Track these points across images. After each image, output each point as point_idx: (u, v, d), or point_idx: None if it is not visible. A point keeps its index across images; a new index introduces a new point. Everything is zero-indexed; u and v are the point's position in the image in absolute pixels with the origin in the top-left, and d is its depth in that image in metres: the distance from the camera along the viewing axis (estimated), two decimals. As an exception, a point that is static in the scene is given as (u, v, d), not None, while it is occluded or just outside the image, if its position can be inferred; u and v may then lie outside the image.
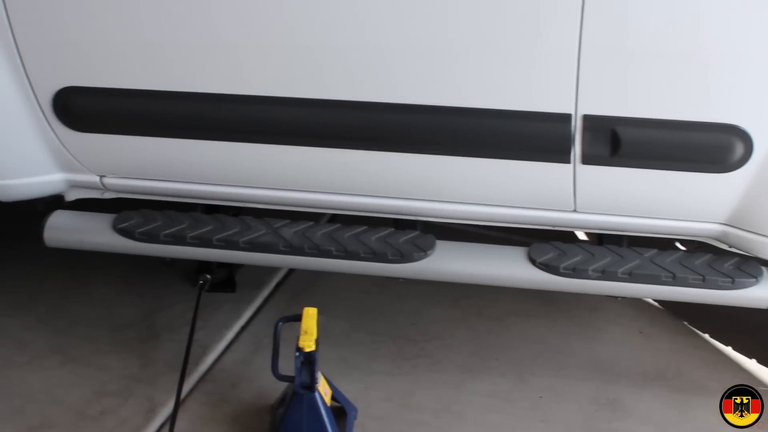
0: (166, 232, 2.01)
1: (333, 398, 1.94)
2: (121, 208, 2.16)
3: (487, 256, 1.98)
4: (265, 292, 2.52)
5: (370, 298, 2.51)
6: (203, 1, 1.73)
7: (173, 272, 2.56)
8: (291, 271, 2.61)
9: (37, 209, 2.21)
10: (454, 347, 2.33)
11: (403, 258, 1.93)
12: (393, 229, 2.03)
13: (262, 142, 1.89)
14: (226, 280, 2.46)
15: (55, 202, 2.19)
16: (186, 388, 2.10)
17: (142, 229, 2.02)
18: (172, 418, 1.96)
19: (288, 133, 1.87)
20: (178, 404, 2.00)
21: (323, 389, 1.87)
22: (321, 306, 1.90)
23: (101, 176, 2.07)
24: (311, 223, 2.04)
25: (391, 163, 1.86)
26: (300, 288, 2.54)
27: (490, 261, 1.98)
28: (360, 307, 2.47)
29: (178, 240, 2.01)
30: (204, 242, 1.99)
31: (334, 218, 2.56)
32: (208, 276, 2.35)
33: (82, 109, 1.92)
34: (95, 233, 2.09)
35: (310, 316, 1.83)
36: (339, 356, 2.25)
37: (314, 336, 1.80)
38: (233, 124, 1.85)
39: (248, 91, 1.81)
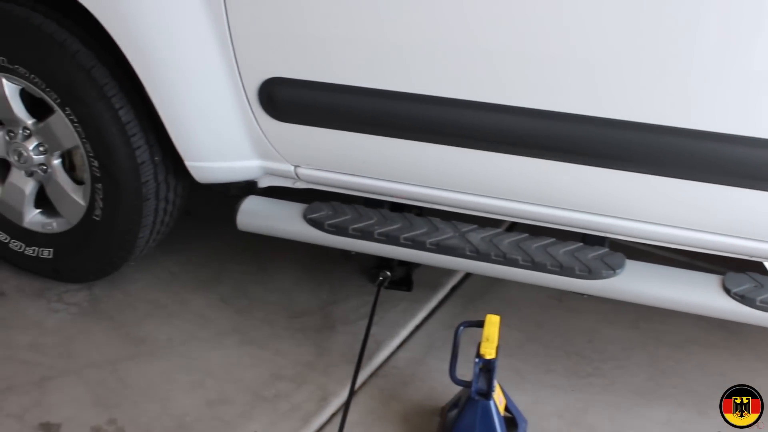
0: (355, 226, 2.11)
1: (506, 408, 1.98)
2: (306, 198, 2.28)
3: (679, 281, 1.98)
4: (441, 294, 2.59)
5: (545, 310, 2.53)
6: (421, 4, 1.80)
7: (351, 265, 2.66)
8: (467, 276, 2.66)
9: (230, 193, 2.36)
10: (630, 370, 2.32)
11: (590, 274, 1.95)
12: (581, 243, 2.04)
13: (457, 145, 1.95)
14: (403, 278, 2.55)
15: (247, 187, 2.33)
16: (358, 381, 2.18)
17: (331, 221, 2.13)
18: (345, 410, 2.05)
19: (484, 138, 1.92)
20: (351, 396, 2.10)
21: (498, 398, 1.91)
22: (496, 314, 1.94)
23: (296, 166, 2.18)
24: (499, 230, 2.10)
25: (589, 177, 1.88)
26: (475, 293, 2.59)
27: (681, 286, 1.97)
28: (535, 319, 2.49)
29: (365, 235, 2.10)
30: (391, 239, 2.08)
31: (511, 226, 2.61)
32: (388, 273, 2.44)
33: (285, 99, 2.04)
34: (286, 221, 2.21)
35: (493, 323, 1.88)
36: (511, 366, 2.28)
37: (495, 344, 1.84)
38: (432, 125, 1.92)
39: (452, 94, 1.87)
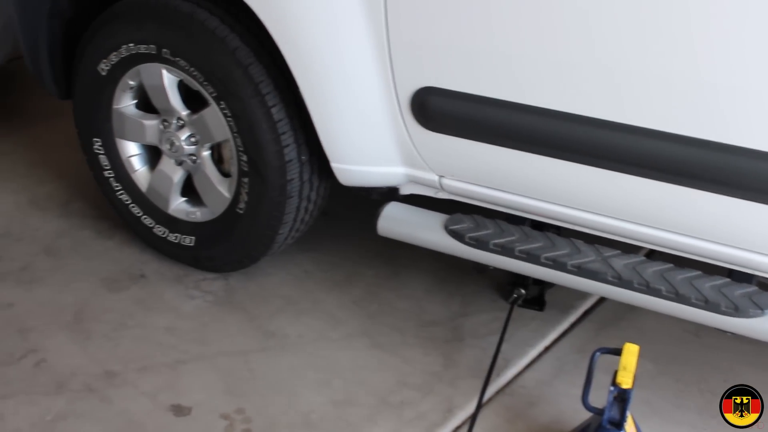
0: (496, 241, 2.15)
1: (636, 440, 1.98)
2: (441, 208, 2.32)
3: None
4: (573, 317, 2.59)
5: (681, 344, 2.51)
6: (585, 26, 1.82)
7: (484, 279, 2.70)
8: (601, 300, 2.66)
9: (371, 197, 2.43)
10: (765, 415, 2.27)
11: (737, 312, 1.93)
12: (728, 279, 2.02)
13: (607, 168, 1.96)
14: (537, 297, 2.56)
15: (389, 193, 2.39)
16: (485, 396, 2.22)
17: (472, 234, 2.17)
18: (471, 424, 2.10)
19: (631, 162, 1.92)
20: (478, 410, 2.14)
21: (629, 429, 1.91)
22: (630, 342, 1.94)
23: (440, 176, 2.23)
24: (642, 258, 2.09)
25: (743, 211, 1.86)
26: (608, 319, 2.58)
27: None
28: (670, 352, 2.47)
29: (506, 251, 2.13)
30: (531, 258, 2.10)
31: (649, 254, 2.58)
32: (523, 291, 2.47)
33: (437, 109, 2.09)
34: (426, 230, 2.27)
35: (632, 353, 1.88)
36: (642, 398, 2.27)
37: (632, 374, 1.85)
38: (586, 146, 1.93)
39: (606, 116, 1.88)
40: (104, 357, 2.38)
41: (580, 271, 2.07)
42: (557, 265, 2.09)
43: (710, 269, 2.08)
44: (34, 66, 2.80)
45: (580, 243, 2.14)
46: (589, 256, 2.08)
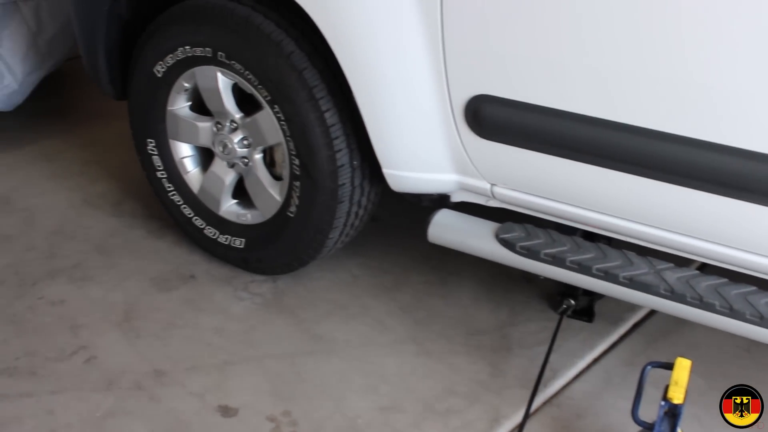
0: (547, 251, 2.14)
1: (685, 457, 1.96)
2: (493, 217, 2.32)
3: None
4: (622, 329, 2.58)
5: (732, 360, 2.48)
6: (647, 36, 1.81)
7: (532, 289, 2.69)
8: (651, 313, 2.64)
9: (422, 204, 2.43)
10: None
11: (792, 329, 1.91)
12: (785, 295, 2.00)
13: (662, 180, 1.94)
14: (586, 308, 2.55)
15: (439, 200, 2.40)
16: (532, 407, 2.21)
17: (523, 244, 2.17)
18: (518, 434, 2.09)
19: (687, 175, 1.91)
20: (525, 420, 2.14)
21: (679, 444, 1.90)
22: (680, 356, 1.92)
23: (492, 185, 2.23)
24: (696, 271, 2.08)
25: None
26: (658, 333, 2.56)
27: None
28: (720, 367, 2.44)
29: (557, 261, 2.13)
30: (583, 269, 2.10)
31: (701, 267, 2.56)
32: (572, 301, 2.46)
33: (492, 117, 2.10)
34: (477, 238, 2.27)
35: (684, 367, 1.87)
36: (691, 413, 2.24)
37: (684, 389, 1.84)
38: (641, 158, 1.92)
39: (663, 128, 1.87)
40: (153, 356, 2.42)
41: (632, 283, 2.05)
42: (609, 276, 2.08)
43: (765, 285, 2.06)
44: (91, 67, 2.85)
45: (632, 255, 2.13)
46: (641, 269, 2.07)
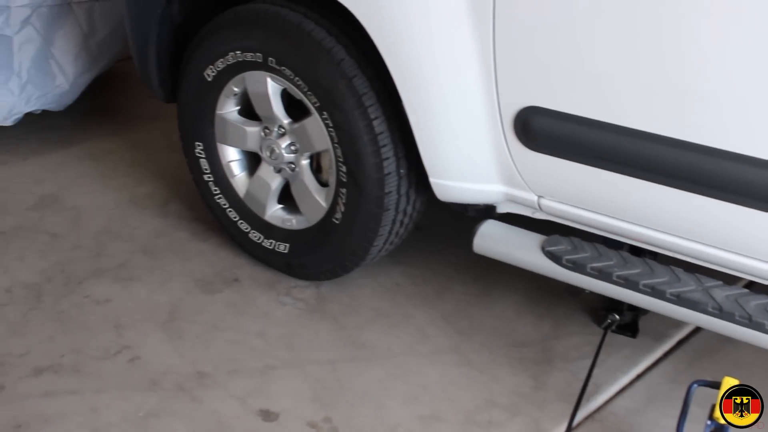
0: (594, 265, 2.13)
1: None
2: (538, 229, 2.32)
3: None
4: (666, 346, 2.56)
5: (779, 379, 2.45)
6: (705, 51, 1.80)
7: (576, 302, 2.68)
8: (696, 330, 2.61)
9: (467, 214, 2.43)
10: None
11: (843, 351, 1.88)
12: (835, 316, 1.98)
13: (715, 197, 1.93)
14: (630, 323, 2.54)
15: (485, 210, 2.40)
16: (575, 421, 2.20)
17: (570, 257, 2.16)
18: (559, 449, 2.08)
19: (741, 192, 1.89)
20: (567, 434, 2.12)
21: (724, 465, 1.88)
22: (726, 375, 1.90)
23: (539, 197, 2.22)
24: (744, 290, 2.06)
25: None
26: (704, 350, 2.54)
27: None
28: (767, 387, 2.41)
29: (603, 275, 2.12)
30: (630, 284, 2.08)
31: (749, 285, 2.53)
32: (617, 316, 2.44)
33: (541, 129, 2.09)
34: (523, 250, 2.26)
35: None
36: (736, 434, 2.22)
37: (731, 409, 1.81)
38: (693, 174, 1.91)
39: (717, 145, 1.86)
40: (196, 357, 2.44)
41: (680, 300, 2.04)
42: (656, 292, 2.06)
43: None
44: (142, 69, 2.89)
45: (679, 271, 2.11)
46: (689, 286, 2.05)
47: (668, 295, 2.05)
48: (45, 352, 2.44)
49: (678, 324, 2.60)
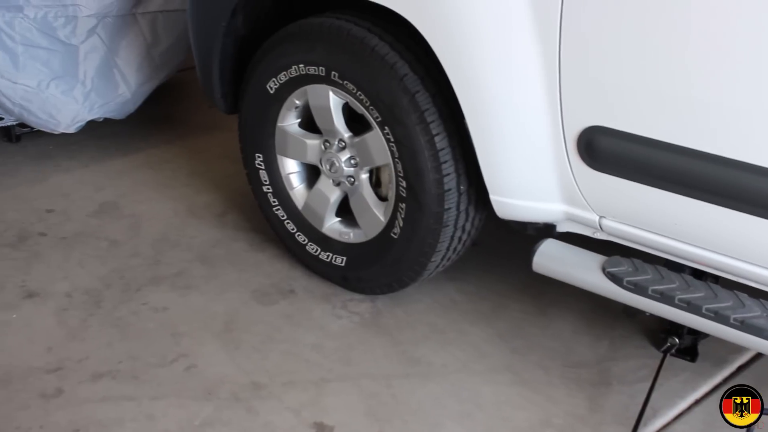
0: (655, 287, 2.11)
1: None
2: (595, 249, 2.30)
3: None
4: (726, 371, 2.52)
5: (842, 410, 2.40)
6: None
7: (634, 324, 2.66)
8: (758, 356, 2.58)
9: (526, 232, 2.42)
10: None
11: None
12: None
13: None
14: (689, 347, 2.51)
15: (545, 229, 2.39)
16: (631, 446, 2.19)
17: (631, 279, 2.14)
18: (615, 472, 2.06)
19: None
20: (624, 460, 2.10)
21: (786, 496, 1.85)
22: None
23: (601, 217, 2.21)
24: (811, 318, 2.02)
25: None
26: (764, 377, 2.50)
27: None
28: (829, 417, 2.37)
29: (665, 298, 2.10)
30: (692, 308, 2.06)
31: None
32: (677, 340, 2.42)
33: (605, 149, 2.08)
34: (583, 270, 2.25)
35: (796, 415, 1.82)
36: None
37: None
38: (759, 197, 1.88)
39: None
40: (252, 368, 2.46)
41: (744, 326, 2.01)
42: (719, 317, 2.04)
43: None
44: (205, 80, 2.93)
45: (744, 296, 2.08)
46: (753, 311, 2.02)
47: (732, 321, 2.02)
48: (103, 357, 2.48)
49: (738, 349, 2.57)
